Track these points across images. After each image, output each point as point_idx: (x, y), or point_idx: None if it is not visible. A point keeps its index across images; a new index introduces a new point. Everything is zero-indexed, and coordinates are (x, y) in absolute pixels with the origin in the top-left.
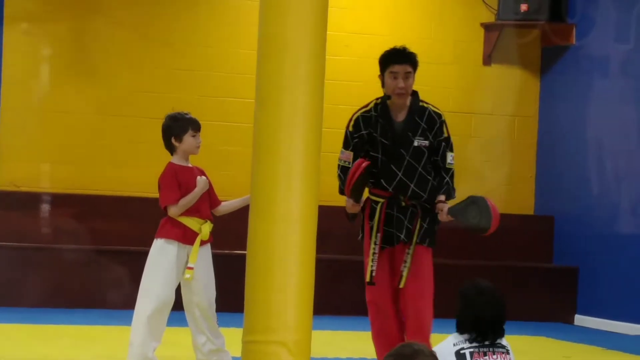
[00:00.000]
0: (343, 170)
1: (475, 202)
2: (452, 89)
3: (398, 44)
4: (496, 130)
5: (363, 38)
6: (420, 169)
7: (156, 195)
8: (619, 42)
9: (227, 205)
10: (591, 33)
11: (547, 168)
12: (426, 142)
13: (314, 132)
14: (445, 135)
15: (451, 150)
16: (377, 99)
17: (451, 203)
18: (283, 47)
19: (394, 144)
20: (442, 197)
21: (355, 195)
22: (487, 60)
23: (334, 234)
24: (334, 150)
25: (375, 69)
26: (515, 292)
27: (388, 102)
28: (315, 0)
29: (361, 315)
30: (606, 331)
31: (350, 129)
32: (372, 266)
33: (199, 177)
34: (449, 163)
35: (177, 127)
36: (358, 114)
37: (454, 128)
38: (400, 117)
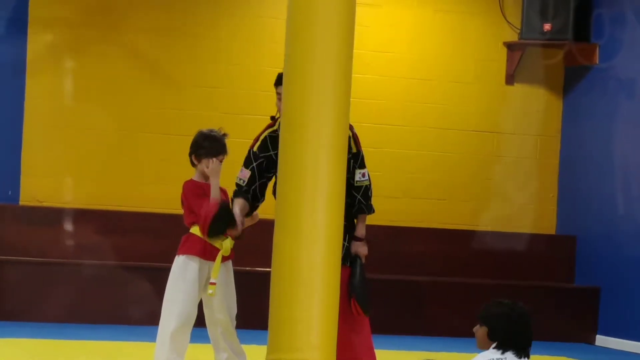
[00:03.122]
0: (237, 188)
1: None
2: (474, 108)
3: (420, 62)
4: (519, 149)
5: (386, 56)
6: None
7: (177, 211)
8: None
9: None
10: (615, 54)
11: (570, 188)
12: None
13: (339, 149)
14: (354, 150)
15: (361, 166)
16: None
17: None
18: (309, 66)
19: None
20: (357, 234)
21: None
22: (510, 79)
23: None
24: None
25: (397, 87)
26: (536, 312)
27: None
28: (341, 19)
29: (381, 333)
30: (628, 352)
31: (255, 149)
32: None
33: (210, 165)
34: (358, 180)
35: (200, 147)
36: (265, 133)
37: (476, 147)
38: None
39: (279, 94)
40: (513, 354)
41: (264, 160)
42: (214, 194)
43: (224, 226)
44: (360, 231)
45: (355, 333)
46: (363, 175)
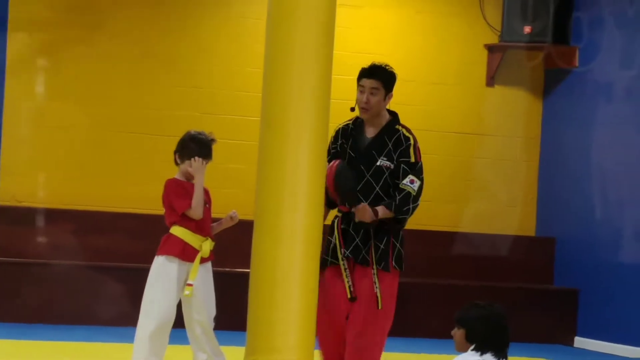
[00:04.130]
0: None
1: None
2: (455, 110)
3: (401, 63)
4: (499, 151)
5: (367, 57)
6: (377, 188)
7: (155, 212)
8: (623, 68)
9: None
10: (595, 57)
11: (549, 190)
12: (389, 164)
13: (319, 150)
14: (412, 160)
15: (416, 175)
16: None
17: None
18: (289, 66)
19: (357, 159)
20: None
21: (345, 198)
22: (490, 81)
23: None
24: None
25: None
26: (516, 313)
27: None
28: (322, 20)
29: None
30: (606, 354)
31: (330, 139)
32: (347, 282)
33: (193, 163)
34: (404, 183)
35: (186, 148)
36: (340, 125)
37: (457, 148)
38: (371, 134)
39: (361, 86)
40: (491, 355)
41: (335, 151)
42: (198, 193)
43: (348, 189)
44: (380, 209)
45: (373, 327)
46: (411, 181)
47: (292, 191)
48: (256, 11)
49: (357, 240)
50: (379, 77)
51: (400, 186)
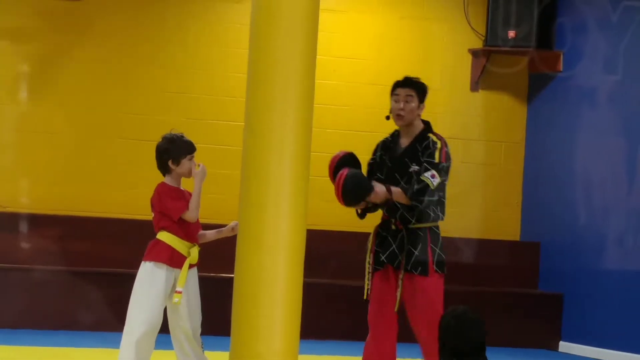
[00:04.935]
0: None
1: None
2: (439, 115)
3: (385, 69)
4: (483, 156)
5: (351, 63)
6: None
7: (141, 217)
8: (607, 73)
9: (203, 235)
10: (579, 62)
11: (534, 195)
12: (417, 168)
13: (302, 156)
14: (436, 160)
15: (438, 172)
16: None
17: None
18: (272, 71)
19: (393, 168)
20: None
21: (356, 200)
22: (475, 86)
23: (323, 258)
24: (323, 174)
25: (363, 93)
26: (500, 318)
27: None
28: (305, 25)
29: (348, 340)
30: (591, 358)
31: (374, 150)
32: (367, 284)
33: (196, 168)
34: (424, 175)
35: (175, 150)
36: (383, 139)
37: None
38: (405, 143)
39: (396, 95)
40: None
41: (373, 163)
42: (197, 196)
43: (362, 192)
44: (395, 190)
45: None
46: (432, 176)
47: (275, 197)
48: (241, 16)
49: (394, 246)
50: (413, 86)
51: (420, 177)
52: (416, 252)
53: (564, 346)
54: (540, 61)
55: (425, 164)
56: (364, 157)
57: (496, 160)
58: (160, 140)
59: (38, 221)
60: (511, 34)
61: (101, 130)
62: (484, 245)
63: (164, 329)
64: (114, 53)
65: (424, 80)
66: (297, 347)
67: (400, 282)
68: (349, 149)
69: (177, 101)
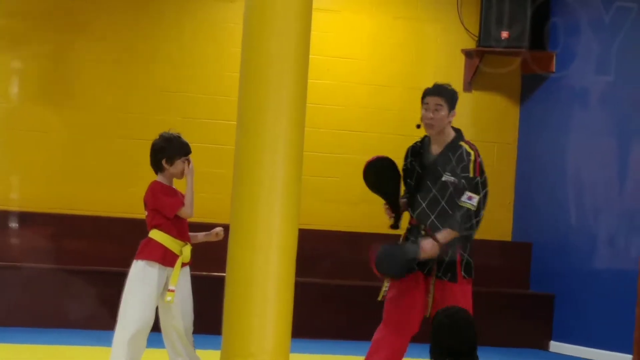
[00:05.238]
0: None
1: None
2: None
3: (379, 69)
4: None
5: (344, 62)
6: (443, 203)
7: (134, 215)
8: (600, 74)
9: (194, 236)
10: (572, 63)
11: (526, 195)
12: (453, 179)
13: (295, 155)
14: (470, 175)
15: (474, 191)
16: None
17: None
18: (265, 71)
19: (424, 175)
20: (436, 235)
21: (382, 192)
22: (468, 86)
23: (315, 258)
24: (315, 174)
25: (356, 93)
26: (491, 318)
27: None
28: (298, 25)
29: (341, 339)
30: (581, 358)
31: (404, 156)
32: (385, 286)
33: (187, 167)
34: (463, 201)
35: (171, 150)
36: (411, 145)
37: None
38: (436, 150)
39: (426, 104)
40: None
41: (405, 168)
42: (191, 193)
43: (385, 185)
44: (441, 235)
45: None
46: (469, 198)
47: (268, 197)
48: (236, 15)
49: None
50: (442, 94)
51: (459, 204)
52: (446, 259)
53: (555, 346)
54: (533, 62)
55: (462, 183)
56: (358, 157)
57: (488, 161)
58: (157, 138)
59: (33, 219)
60: (504, 34)
61: (96, 129)
62: (475, 246)
63: (156, 327)
64: (110, 52)
65: (416, 80)
66: (289, 345)
67: (432, 288)
68: (342, 148)
69: (173, 100)
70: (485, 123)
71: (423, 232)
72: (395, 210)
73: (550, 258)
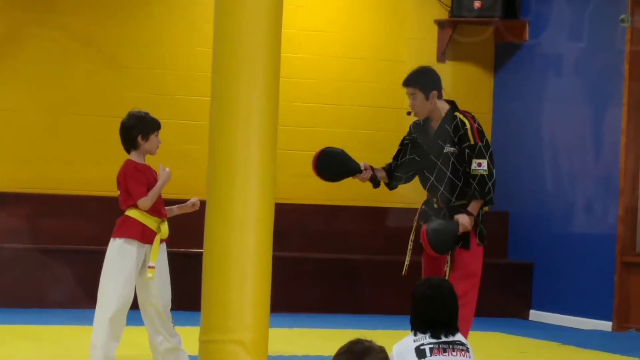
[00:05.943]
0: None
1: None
2: None
3: (352, 41)
4: None
5: (317, 35)
6: (449, 174)
7: (109, 193)
8: (573, 41)
9: (169, 210)
10: (545, 31)
11: (502, 164)
12: (453, 149)
13: (269, 130)
14: (471, 142)
15: (479, 157)
16: None
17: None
18: (238, 45)
19: (428, 150)
20: (468, 208)
21: (342, 175)
22: (441, 57)
23: (291, 231)
24: (290, 147)
25: (330, 66)
26: None
27: None
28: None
29: (317, 312)
30: (561, 326)
31: (408, 130)
32: (407, 260)
33: (162, 169)
34: (474, 169)
35: (144, 126)
36: (414, 120)
37: (406, 125)
38: (435, 125)
39: (411, 94)
40: (430, 336)
41: (409, 143)
42: (157, 191)
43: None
44: (471, 207)
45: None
46: (479, 164)
47: (244, 172)
48: None
49: None
50: (411, 83)
51: (472, 173)
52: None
53: (535, 314)
54: (506, 30)
55: (467, 153)
56: (333, 130)
57: None
58: (127, 117)
59: (6, 199)
60: (477, 4)
61: (69, 108)
62: None
63: (134, 305)
64: (80, 30)
65: (390, 52)
66: (268, 320)
67: (448, 258)
68: (316, 122)
69: (145, 77)
70: (460, 93)
71: (436, 205)
72: (364, 177)
73: (527, 226)
